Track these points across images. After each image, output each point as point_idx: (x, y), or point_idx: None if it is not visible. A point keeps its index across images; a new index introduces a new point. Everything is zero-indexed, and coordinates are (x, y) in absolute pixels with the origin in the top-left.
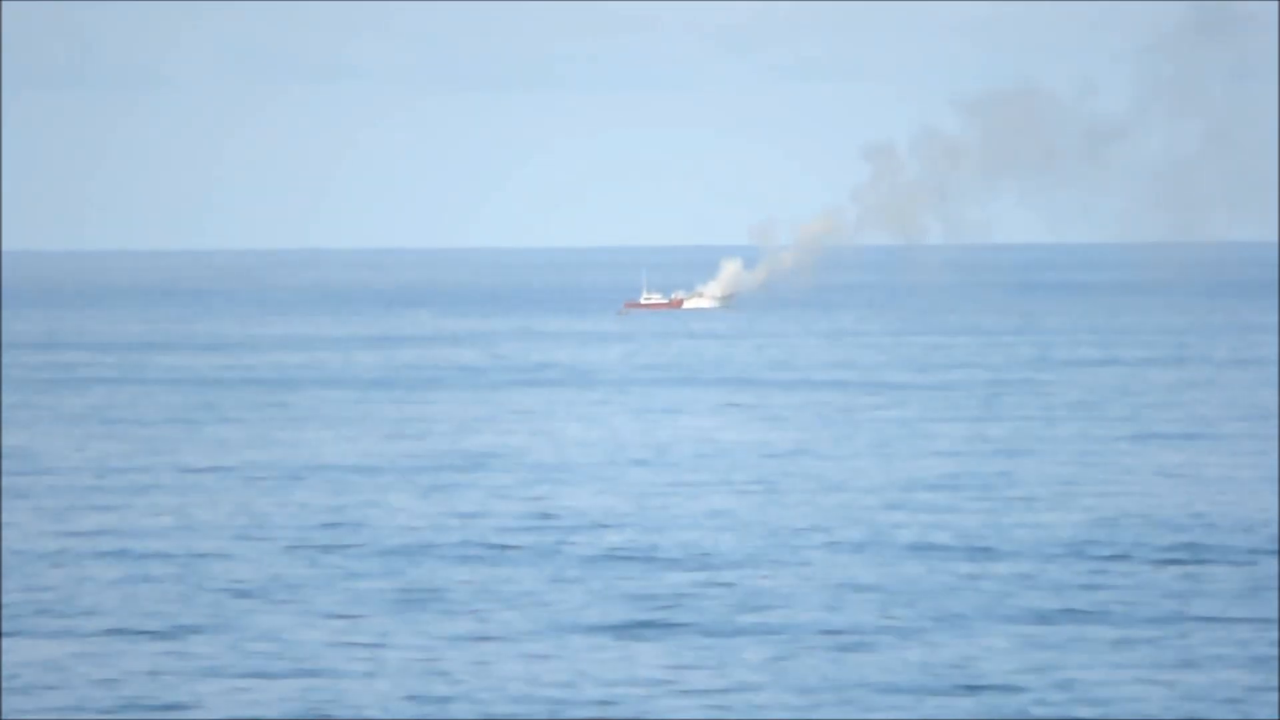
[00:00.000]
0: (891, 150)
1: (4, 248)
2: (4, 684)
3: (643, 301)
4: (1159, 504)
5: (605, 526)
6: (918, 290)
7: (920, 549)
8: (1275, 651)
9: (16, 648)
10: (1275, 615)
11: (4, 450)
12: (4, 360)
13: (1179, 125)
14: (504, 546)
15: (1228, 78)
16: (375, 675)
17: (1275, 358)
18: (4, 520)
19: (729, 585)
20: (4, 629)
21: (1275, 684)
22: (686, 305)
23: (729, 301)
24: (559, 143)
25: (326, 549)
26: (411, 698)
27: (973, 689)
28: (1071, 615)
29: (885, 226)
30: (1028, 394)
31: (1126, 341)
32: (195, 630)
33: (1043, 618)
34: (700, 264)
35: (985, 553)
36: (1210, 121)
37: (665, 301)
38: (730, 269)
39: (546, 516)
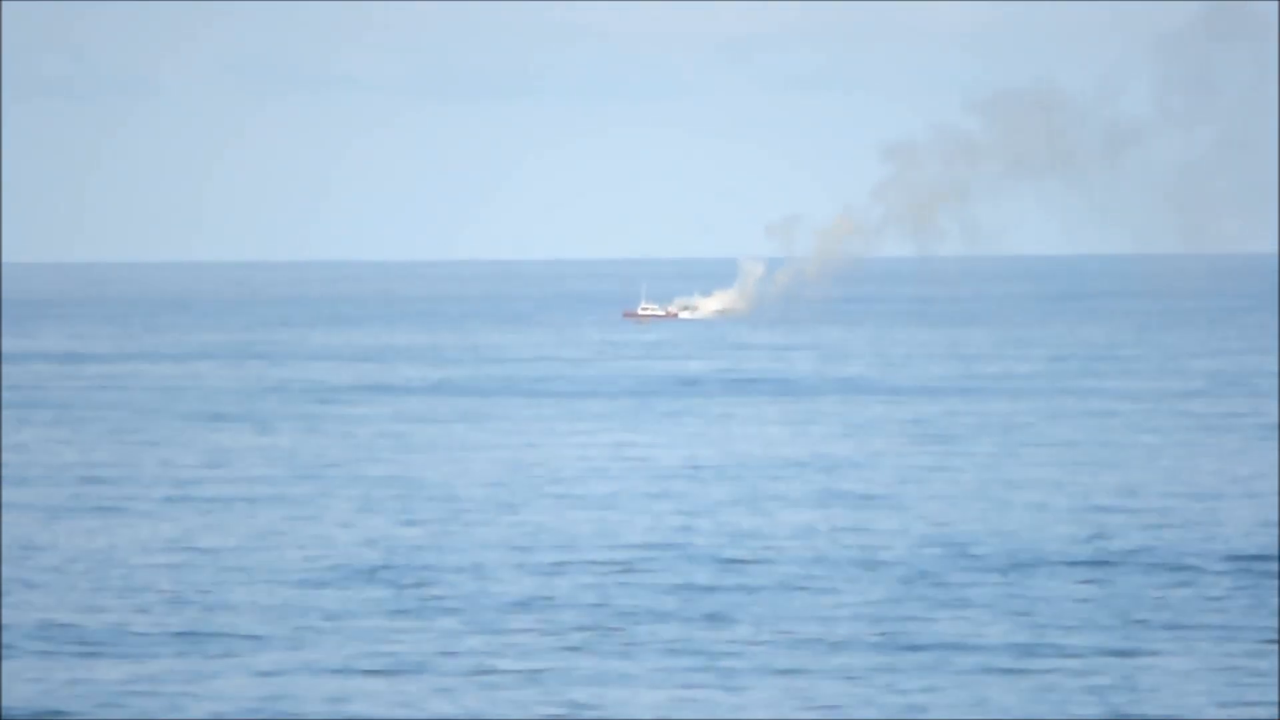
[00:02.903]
0: (912, 148)
1: (2, 259)
2: (4, 684)
3: (640, 312)
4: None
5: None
6: (938, 302)
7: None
8: (1276, 652)
9: (16, 647)
10: (1275, 615)
11: (14, 456)
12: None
13: (1191, 129)
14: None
15: (1240, 81)
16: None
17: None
18: (5, 523)
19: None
20: (3, 628)
21: (1275, 684)
22: (681, 316)
23: (726, 313)
24: (564, 151)
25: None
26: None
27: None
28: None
29: (906, 226)
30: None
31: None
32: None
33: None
34: (720, 275)
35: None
36: (1222, 126)
37: (662, 312)
38: (751, 270)
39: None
